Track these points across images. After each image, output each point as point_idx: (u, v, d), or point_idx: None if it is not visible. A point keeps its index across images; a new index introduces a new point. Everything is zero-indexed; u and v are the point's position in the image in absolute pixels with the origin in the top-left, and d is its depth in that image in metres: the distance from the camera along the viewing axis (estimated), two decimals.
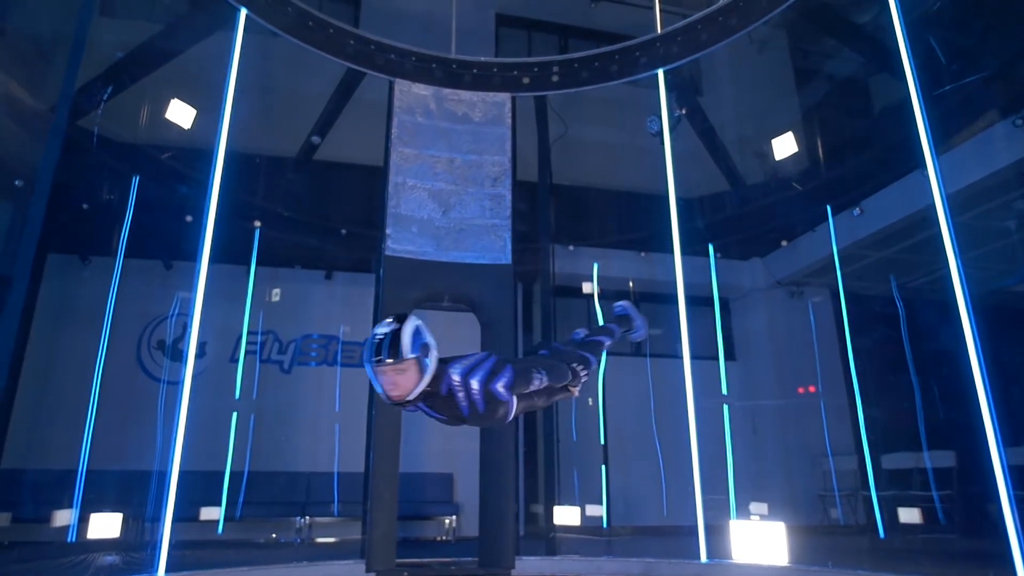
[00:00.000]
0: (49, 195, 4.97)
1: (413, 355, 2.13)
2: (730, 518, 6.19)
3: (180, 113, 6.50)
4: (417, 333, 2.18)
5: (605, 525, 7.53)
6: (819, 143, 8.41)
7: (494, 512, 5.69)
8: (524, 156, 7.43)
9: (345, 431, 8.09)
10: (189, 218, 6.59)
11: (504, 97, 6.81)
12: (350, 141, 8.45)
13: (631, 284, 8.90)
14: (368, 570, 5.35)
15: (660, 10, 7.51)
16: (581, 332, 3.24)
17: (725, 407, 7.18)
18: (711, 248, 8.01)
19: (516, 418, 2.70)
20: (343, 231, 8.41)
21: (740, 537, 5.66)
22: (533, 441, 8.52)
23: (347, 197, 8.92)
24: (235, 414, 7.39)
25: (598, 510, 7.46)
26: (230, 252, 6.47)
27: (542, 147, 7.96)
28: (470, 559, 5.91)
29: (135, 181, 6.32)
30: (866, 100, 9.16)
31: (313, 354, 8.98)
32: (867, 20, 8.14)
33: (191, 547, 6.25)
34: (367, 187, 8.11)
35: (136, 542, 6.08)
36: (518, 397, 2.47)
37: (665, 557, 5.91)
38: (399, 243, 6.07)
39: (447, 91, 6.71)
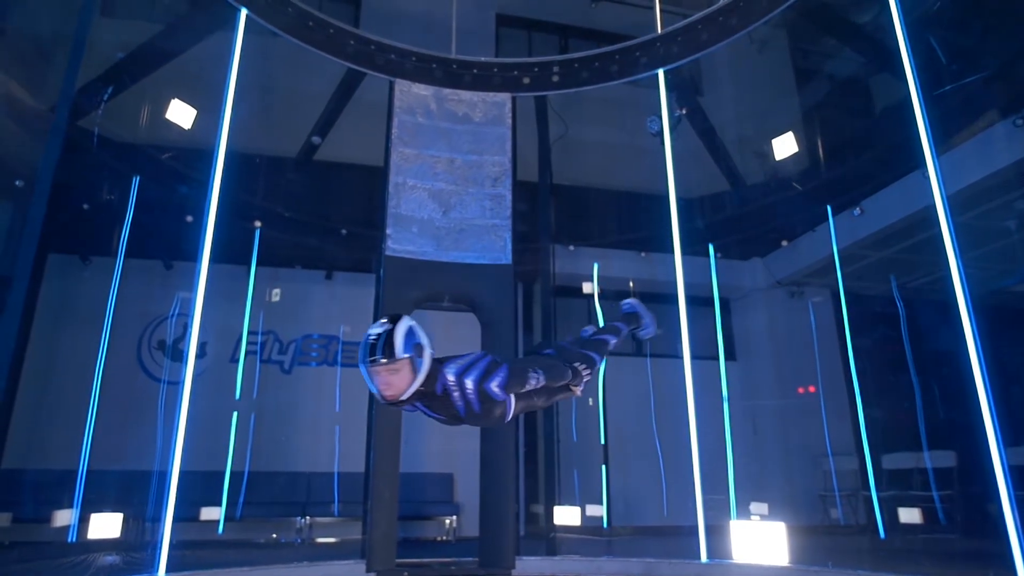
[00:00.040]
0: (49, 195, 4.97)
1: (406, 355, 2.15)
2: (730, 518, 6.18)
3: (180, 113, 6.50)
4: (410, 333, 2.19)
5: (605, 525, 7.52)
6: (819, 143, 8.41)
7: (494, 512, 5.69)
8: (524, 156, 7.43)
9: (345, 431, 8.09)
10: (189, 218, 6.60)
11: (504, 97, 6.81)
12: (350, 141, 8.45)
13: (631, 284, 8.89)
14: (368, 570, 5.36)
15: (660, 10, 7.51)
16: (589, 330, 3.22)
17: (725, 407, 7.17)
18: (711, 248, 8.00)
19: (516, 418, 2.70)
20: (343, 231, 8.41)
21: (740, 537, 5.65)
22: (533, 441, 8.52)
23: (347, 197, 8.92)
24: (235, 414, 7.39)
25: (598, 510, 7.46)
26: (230, 252, 6.47)
27: (542, 147, 7.96)
28: (470, 559, 5.91)
29: (135, 181, 6.32)
30: (866, 100, 9.16)
31: (313, 354, 8.98)
32: (867, 20, 8.13)
33: (191, 547, 6.25)
34: (367, 187, 8.12)
35: (136, 542, 6.08)
36: (516, 397, 2.47)
37: (665, 557, 5.91)
38: (399, 243, 6.07)
39: (447, 91, 6.71)
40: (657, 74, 6.78)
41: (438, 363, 2.30)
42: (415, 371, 2.18)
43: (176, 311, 7.95)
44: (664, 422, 8.08)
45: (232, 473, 7.16)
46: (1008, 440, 4.39)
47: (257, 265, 7.71)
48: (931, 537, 6.80)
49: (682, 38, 6.69)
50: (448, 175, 6.40)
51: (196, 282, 5.35)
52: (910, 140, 5.14)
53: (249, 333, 8.17)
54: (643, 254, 9.12)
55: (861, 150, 7.97)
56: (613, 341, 3.11)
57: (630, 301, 3.46)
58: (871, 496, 7.05)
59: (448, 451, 8.38)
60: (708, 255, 7.95)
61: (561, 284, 8.26)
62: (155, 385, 8.00)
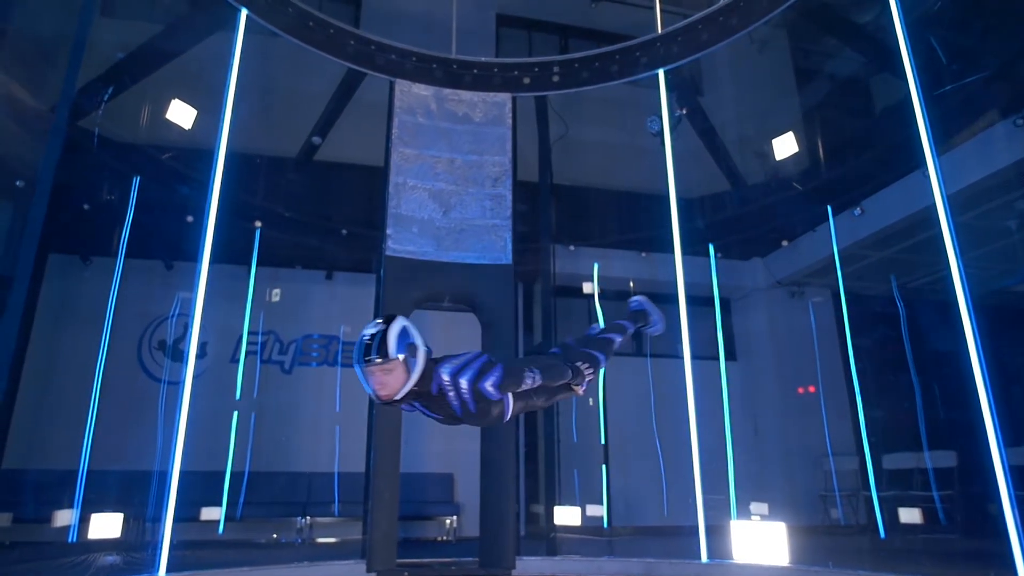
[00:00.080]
0: (50, 195, 4.97)
1: (399, 355, 2.17)
2: (731, 518, 6.18)
3: (181, 113, 6.50)
4: (403, 334, 2.21)
5: (606, 525, 7.52)
6: (820, 143, 8.40)
7: (495, 512, 5.69)
8: (525, 156, 7.43)
9: (346, 431, 8.09)
10: (190, 218, 6.60)
11: (505, 97, 6.81)
12: (351, 141, 8.46)
13: (632, 284, 8.90)
14: (369, 570, 5.36)
15: (660, 10, 7.51)
16: (597, 327, 3.22)
17: (726, 407, 7.17)
18: (711, 248, 7.99)
19: (516, 418, 2.70)
20: (344, 231, 8.41)
21: (741, 537, 5.65)
22: (534, 441, 8.53)
23: (348, 197, 8.92)
24: (236, 414, 7.39)
25: (599, 510, 7.46)
26: (231, 252, 6.48)
27: (543, 147, 7.96)
28: (471, 559, 5.91)
29: (136, 181, 6.32)
30: (867, 100, 9.15)
31: (314, 354, 8.99)
32: (868, 20, 8.13)
33: (192, 547, 6.25)
34: (368, 187, 8.11)
35: (137, 542, 6.09)
36: (514, 396, 2.48)
37: (666, 557, 5.91)
38: (400, 243, 6.07)
39: (447, 91, 6.71)
40: (657, 74, 6.78)
41: (433, 363, 2.31)
42: (409, 371, 2.21)
43: (176, 311, 7.96)
44: (664, 422, 8.08)
45: (232, 473, 7.16)
46: (1008, 440, 4.38)
47: (257, 265, 7.71)
48: (931, 537, 6.80)
49: (682, 38, 6.69)
50: (448, 175, 6.40)
51: (196, 282, 5.35)
52: (910, 140, 5.13)
53: (249, 333, 8.17)
54: (643, 254, 9.12)
55: (861, 150, 7.97)
56: (618, 340, 3.09)
57: (638, 298, 3.44)
58: (871, 496, 7.05)
59: (448, 451, 8.39)
60: (708, 255, 7.95)
61: (561, 284, 8.27)
62: (155, 385, 8.00)
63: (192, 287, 5.34)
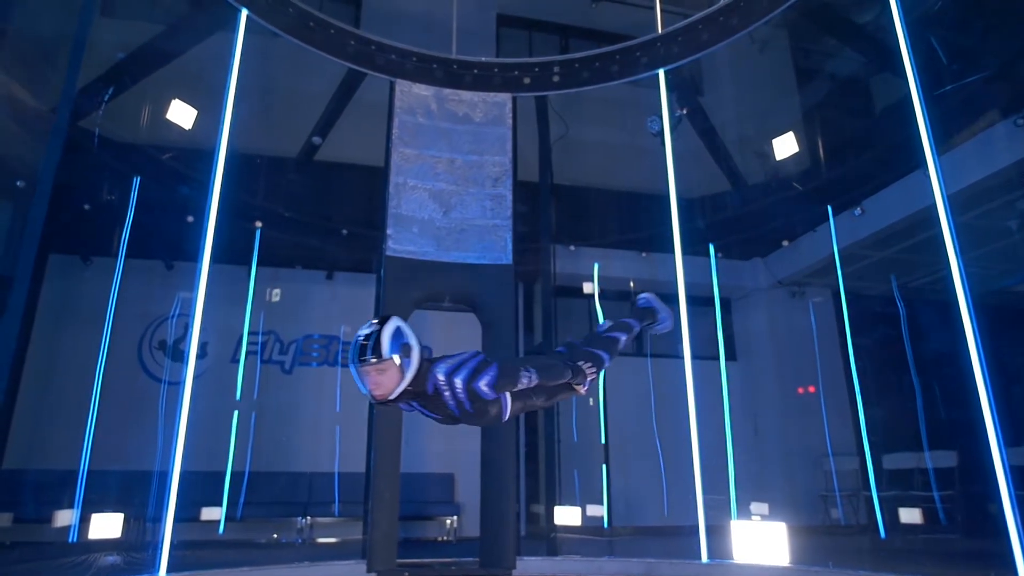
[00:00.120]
0: (50, 196, 4.97)
1: (392, 355, 2.20)
2: (731, 518, 6.18)
3: (181, 114, 6.50)
4: (397, 334, 2.24)
5: (606, 525, 7.52)
6: (820, 143, 8.41)
7: (495, 512, 5.69)
8: (525, 156, 7.43)
9: (346, 431, 8.10)
10: (190, 218, 6.60)
11: (505, 97, 6.81)
12: (351, 141, 8.46)
13: (632, 284, 8.90)
14: (369, 570, 5.36)
15: (661, 10, 7.50)
16: (606, 324, 3.20)
17: (726, 407, 7.17)
18: (712, 248, 7.99)
19: (516, 418, 2.70)
20: (344, 231, 8.42)
21: (741, 537, 5.65)
22: (534, 441, 8.53)
23: (348, 197, 8.93)
24: (236, 414, 7.39)
25: (599, 510, 7.46)
26: (231, 252, 6.47)
27: (543, 147, 7.96)
28: (471, 559, 5.91)
29: (136, 182, 6.32)
30: (867, 100, 9.15)
31: (314, 354, 8.99)
32: (868, 20, 8.14)
33: (192, 547, 6.26)
34: (368, 187, 8.12)
35: (137, 542, 6.09)
36: (512, 396, 2.48)
37: (666, 557, 5.90)
38: (400, 243, 6.06)
39: (448, 91, 6.71)
40: (658, 74, 6.78)
41: (429, 363, 2.32)
42: (403, 371, 2.23)
43: (177, 311, 7.96)
44: (665, 422, 8.08)
45: (233, 473, 7.16)
46: (1009, 440, 4.38)
47: (258, 265, 7.71)
48: (932, 537, 6.80)
49: (683, 38, 6.69)
50: (449, 175, 6.40)
51: (197, 282, 5.35)
52: (911, 140, 5.13)
53: (250, 333, 8.18)
54: (644, 254, 9.12)
55: (862, 150, 7.97)
56: (624, 339, 3.07)
57: (645, 295, 3.41)
58: (872, 496, 7.05)
59: (449, 451, 8.39)
60: (709, 255, 7.94)
61: (562, 284, 8.27)
62: (156, 385, 8.00)
63: (192, 287, 5.34)
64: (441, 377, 2.30)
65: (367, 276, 8.21)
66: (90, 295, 7.41)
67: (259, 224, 7.75)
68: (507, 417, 2.52)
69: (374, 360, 2.19)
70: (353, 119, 8.17)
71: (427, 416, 2.46)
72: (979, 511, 6.55)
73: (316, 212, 8.57)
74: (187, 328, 7.23)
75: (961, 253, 4.69)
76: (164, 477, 4.95)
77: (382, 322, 2.26)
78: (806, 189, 8.09)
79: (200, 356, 7.82)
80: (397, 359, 2.21)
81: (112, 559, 5.78)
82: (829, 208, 7.69)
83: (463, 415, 2.38)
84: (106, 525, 5.68)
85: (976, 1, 7.05)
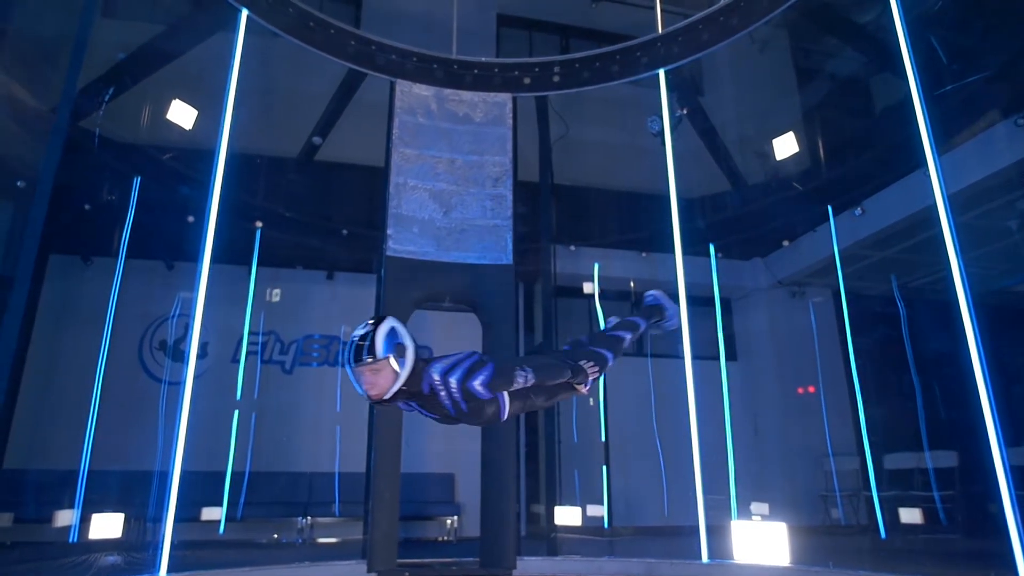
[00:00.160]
0: (51, 196, 4.97)
1: (386, 355, 2.21)
2: (731, 518, 6.18)
3: (181, 114, 6.51)
4: (391, 334, 2.25)
5: (606, 525, 7.52)
6: (820, 143, 8.40)
7: (495, 512, 5.69)
8: (525, 156, 7.43)
9: (346, 431, 8.10)
10: (191, 219, 6.59)
11: (505, 97, 6.81)
12: (351, 142, 8.46)
13: (632, 284, 8.90)
14: (369, 570, 5.36)
15: (661, 10, 7.51)
16: (612, 322, 3.19)
17: (726, 407, 7.17)
18: (712, 248, 7.99)
19: (516, 418, 2.70)
20: (344, 231, 8.42)
21: (741, 537, 5.65)
22: (534, 441, 8.53)
23: (348, 198, 8.93)
24: (236, 414, 7.39)
25: (599, 510, 7.46)
26: (231, 253, 6.47)
27: (543, 147, 7.96)
28: (471, 559, 5.91)
29: (136, 182, 6.32)
30: (867, 100, 9.15)
31: (314, 354, 8.99)
32: (868, 20, 8.14)
33: (193, 547, 6.26)
34: (368, 188, 8.12)
35: (138, 542, 6.09)
36: (511, 396, 2.48)
37: (666, 557, 5.90)
38: (400, 243, 6.07)
39: (448, 91, 6.71)
40: (658, 74, 6.77)
41: (424, 363, 2.33)
42: (397, 371, 2.24)
43: (177, 311, 7.96)
44: (665, 422, 8.08)
45: (233, 473, 7.16)
46: (1009, 440, 4.38)
47: (258, 265, 7.71)
48: (932, 537, 6.80)
49: (683, 38, 6.69)
50: (449, 175, 6.40)
51: (197, 282, 5.35)
52: (911, 140, 5.13)
53: (250, 333, 8.18)
54: (644, 254, 9.12)
55: (862, 150, 7.97)
56: (629, 337, 3.06)
57: (653, 293, 3.39)
58: (872, 496, 7.05)
59: (449, 451, 8.39)
60: (709, 255, 7.95)
61: (562, 284, 8.27)
62: (156, 385, 8.00)
63: (193, 287, 5.34)
64: (436, 377, 2.30)
65: (367, 276, 8.22)
66: (90, 295, 7.41)
67: (259, 224, 7.76)
68: (506, 417, 2.52)
69: (369, 360, 2.20)
70: (353, 119, 8.17)
71: (426, 416, 2.47)
72: (979, 511, 6.55)
73: (316, 212, 8.57)
74: (187, 328, 7.24)
75: (961, 253, 4.69)
76: (164, 477, 4.95)
77: (377, 322, 2.27)
78: (806, 189, 8.09)
79: (200, 356, 7.82)
80: (392, 359, 2.21)
81: (112, 559, 5.78)
82: (829, 208, 7.69)
83: (459, 415, 2.39)
84: (106, 525, 5.68)
85: (976, 1, 7.05)
